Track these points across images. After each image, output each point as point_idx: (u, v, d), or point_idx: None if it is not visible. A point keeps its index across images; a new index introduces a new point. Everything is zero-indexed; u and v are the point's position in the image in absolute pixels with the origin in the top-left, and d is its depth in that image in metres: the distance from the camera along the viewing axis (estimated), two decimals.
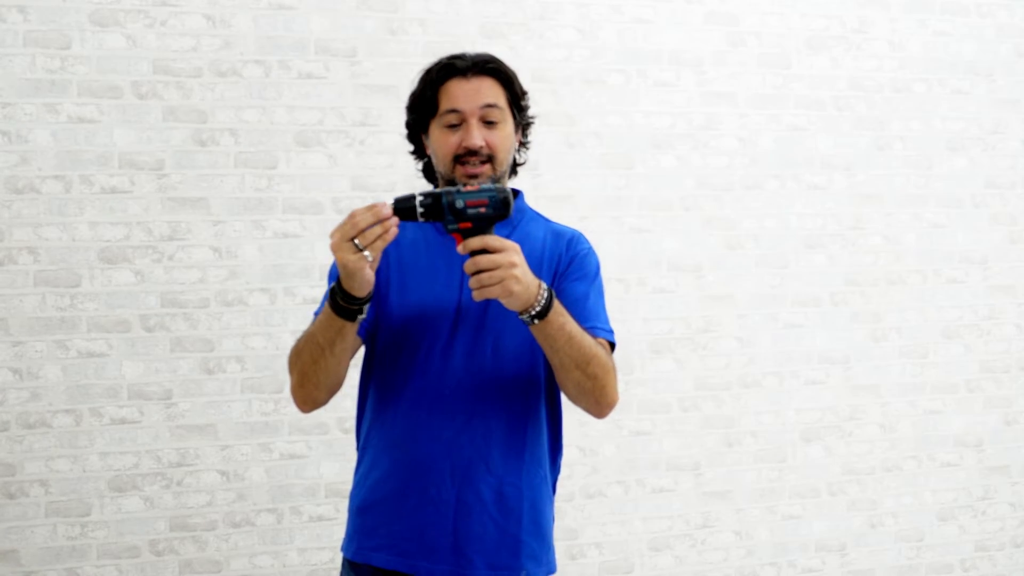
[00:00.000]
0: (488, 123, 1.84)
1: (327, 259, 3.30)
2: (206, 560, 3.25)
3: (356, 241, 1.61)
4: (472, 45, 3.39)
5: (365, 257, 1.61)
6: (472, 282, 1.63)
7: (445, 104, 1.84)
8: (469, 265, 1.63)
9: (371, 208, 1.60)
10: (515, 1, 3.42)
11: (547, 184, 3.48)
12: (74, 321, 3.13)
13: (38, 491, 3.13)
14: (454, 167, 1.83)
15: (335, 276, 1.88)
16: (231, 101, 3.20)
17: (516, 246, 1.65)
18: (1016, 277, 3.99)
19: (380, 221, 1.60)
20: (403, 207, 1.63)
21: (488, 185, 1.67)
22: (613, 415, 3.57)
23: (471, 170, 1.82)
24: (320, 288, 3.31)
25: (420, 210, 1.63)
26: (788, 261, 3.73)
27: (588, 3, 3.49)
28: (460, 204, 1.63)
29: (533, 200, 3.47)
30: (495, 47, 3.41)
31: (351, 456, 3.36)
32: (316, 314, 1.87)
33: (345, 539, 1.91)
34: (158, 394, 3.19)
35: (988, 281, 3.95)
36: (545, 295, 1.68)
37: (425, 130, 1.90)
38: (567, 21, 3.47)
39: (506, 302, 1.65)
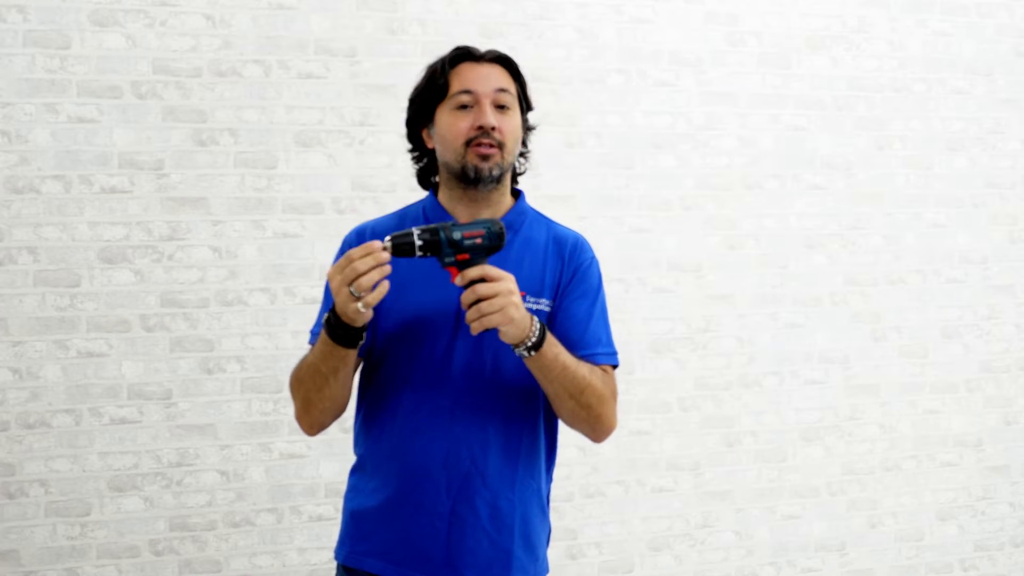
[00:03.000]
0: (499, 108, 1.81)
1: (327, 259, 3.30)
2: (206, 560, 3.25)
3: (352, 289, 1.60)
4: (472, 45, 3.39)
5: (360, 309, 1.62)
6: (472, 312, 1.62)
7: (457, 85, 1.81)
8: (468, 295, 1.63)
9: (368, 251, 1.59)
10: (515, 1, 3.42)
11: (547, 184, 3.48)
12: (74, 321, 3.13)
13: (38, 491, 3.13)
14: (465, 151, 1.79)
15: (331, 298, 1.87)
16: (231, 101, 3.20)
17: (512, 276, 1.66)
18: (1016, 277, 3.98)
19: (378, 266, 1.59)
20: (400, 243, 1.62)
21: (481, 219, 1.68)
22: None
23: (483, 151, 1.77)
24: (320, 288, 3.31)
25: (419, 244, 1.63)
26: (788, 261, 3.73)
27: (588, 3, 3.49)
28: (457, 236, 1.64)
29: (533, 200, 3.47)
30: (495, 47, 3.41)
31: (351, 456, 3.36)
32: (313, 332, 1.87)
33: (337, 543, 1.91)
34: (158, 394, 3.19)
35: (988, 281, 3.95)
36: (538, 326, 1.69)
37: (430, 120, 1.85)
38: (567, 21, 3.47)
39: (504, 331, 1.65)
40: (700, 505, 3.67)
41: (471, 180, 1.80)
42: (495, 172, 1.79)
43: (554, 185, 3.48)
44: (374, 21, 3.31)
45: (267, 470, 3.28)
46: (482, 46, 3.39)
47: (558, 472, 3.53)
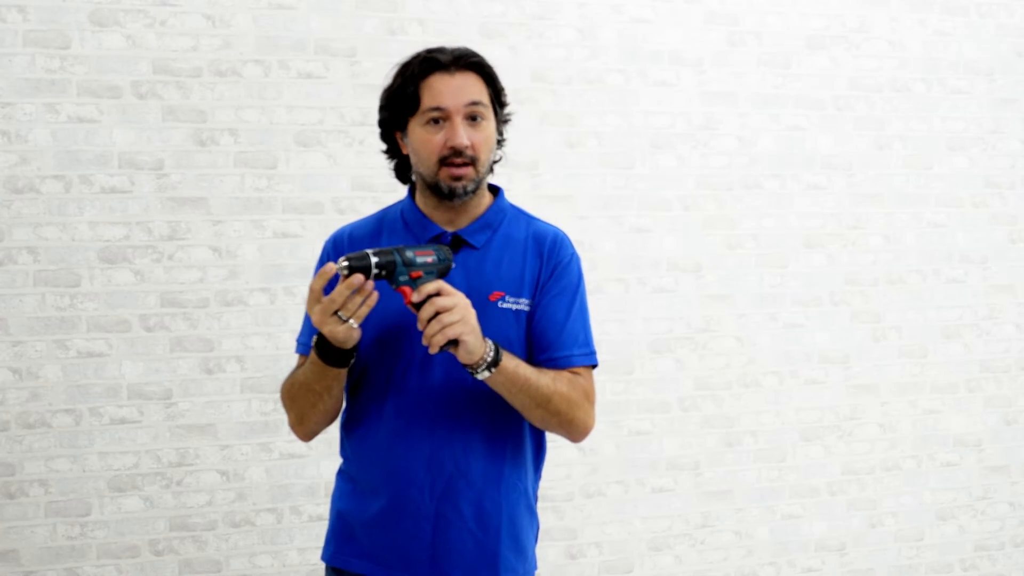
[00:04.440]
0: (471, 120, 1.77)
1: None
2: (206, 560, 3.25)
3: (340, 313, 1.61)
4: (471, 45, 3.39)
5: (352, 325, 1.63)
6: (432, 326, 1.62)
7: (428, 101, 1.76)
8: (427, 308, 1.62)
9: (326, 278, 1.61)
10: (515, 1, 3.42)
11: (547, 184, 3.48)
12: (74, 321, 3.13)
13: (38, 491, 3.13)
14: (438, 169, 1.77)
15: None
16: (231, 101, 3.20)
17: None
18: (1016, 277, 3.98)
19: (357, 290, 1.60)
20: (357, 266, 1.62)
21: (427, 245, 1.71)
22: (613, 415, 3.57)
23: (456, 171, 1.75)
24: None
25: (375, 271, 1.63)
26: (788, 261, 3.73)
27: (588, 3, 3.49)
28: (410, 255, 1.66)
29: (533, 200, 3.46)
30: (495, 47, 3.41)
31: None
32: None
33: (324, 543, 1.91)
34: (158, 394, 3.19)
35: (988, 281, 3.95)
36: (492, 343, 1.69)
37: (402, 128, 1.82)
38: (567, 21, 3.47)
39: (464, 342, 1.64)
40: (700, 505, 3.67)
41: (445, 196, 1.78)
42: (469, 188, 1.78)
43: (554, 185, 3.48)
44: (374, 21, 3.31)
45: (267, 470, 3.28)
46: (482, 46, 3.40)
47: (558, 472, 3.53)
